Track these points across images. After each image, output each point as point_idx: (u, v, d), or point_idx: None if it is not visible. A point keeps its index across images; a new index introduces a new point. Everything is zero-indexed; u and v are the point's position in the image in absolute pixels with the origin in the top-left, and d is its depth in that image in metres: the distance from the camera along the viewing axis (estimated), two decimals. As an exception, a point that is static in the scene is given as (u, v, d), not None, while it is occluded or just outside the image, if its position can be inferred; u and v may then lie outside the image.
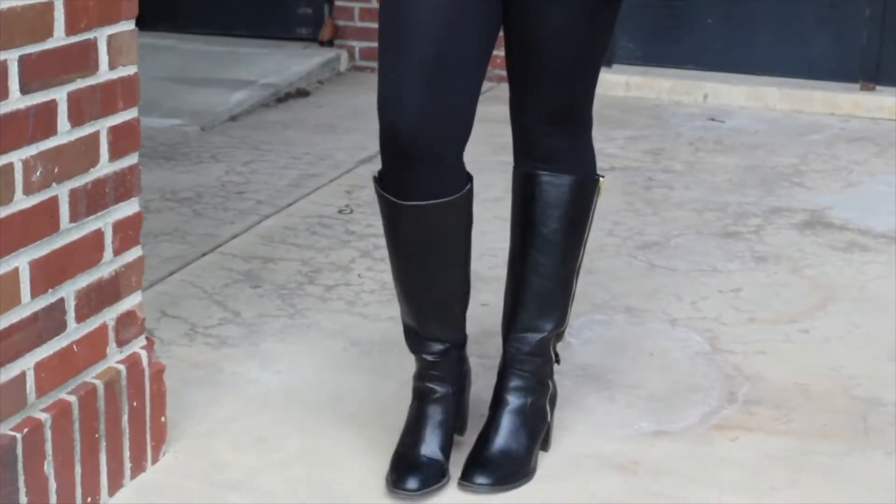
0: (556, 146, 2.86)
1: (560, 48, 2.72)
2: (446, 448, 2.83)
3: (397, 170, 2.65)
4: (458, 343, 2.89)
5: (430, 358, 2.84)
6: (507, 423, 2.88)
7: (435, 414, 2.84)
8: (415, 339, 2.86)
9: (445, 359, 2.85)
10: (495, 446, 2.86)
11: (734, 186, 4.89)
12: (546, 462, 2.94)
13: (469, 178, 2.75)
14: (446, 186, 2.68)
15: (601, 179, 2.93)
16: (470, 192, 2.74)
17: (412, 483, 2.74)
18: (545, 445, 2.95)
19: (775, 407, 3.22)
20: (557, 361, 3.01)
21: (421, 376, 2.87)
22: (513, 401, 2.90)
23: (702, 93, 6.18)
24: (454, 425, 2.89)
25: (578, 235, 2.91)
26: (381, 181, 2.69)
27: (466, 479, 2.80)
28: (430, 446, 2.80)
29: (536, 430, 2.90)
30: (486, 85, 5.82)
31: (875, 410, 3.20)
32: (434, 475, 2.77)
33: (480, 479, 2.80)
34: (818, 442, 3.06)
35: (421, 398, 2.86)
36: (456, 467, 2.81)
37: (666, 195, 4.78)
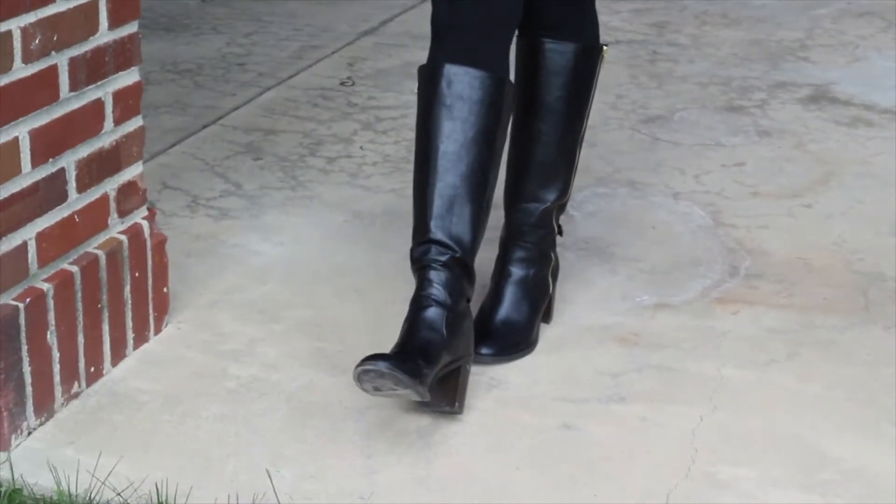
0: (561, 12, 2.83)
1: None
2: (420, 368, 2.50)
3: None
4: (465, 260, 2.66)
5: (431, 265, 2.64)
6: (509, 294, 2.88)
7: (420, 326, 2.60)
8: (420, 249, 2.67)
9: (445, 269, 2.63)
10: (498, 317, 2.86)
11: (739, 60, 4.85)
12: (547, 333, 2.95)
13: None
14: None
15: (605, 48, 2.91)
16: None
17: (381, 364, 2.44)
18: (547, 317, 2.96)
19: (777, 281, 3.22)
20: (560, 233, 3.01)
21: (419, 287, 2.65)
22: (515, 272, 2.90)
23: (708, -34, 6.09)
24: (450, 351, 2.60)
25: (582, 105, 2.90)
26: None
27: None
28: (418, 349, 2.55)
29: (538, 302, 2.91)
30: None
31: (876, 285, 3.21)
32: (408, 371, 2.45)
33: (483, 350, 2.81)
34: (819, 316, 3.07)
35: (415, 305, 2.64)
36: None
37: (670, 69, 4.74)
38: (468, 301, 2.69)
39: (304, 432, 2.56)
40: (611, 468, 2.52)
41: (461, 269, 2.64)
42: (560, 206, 2.97)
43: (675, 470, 2.51)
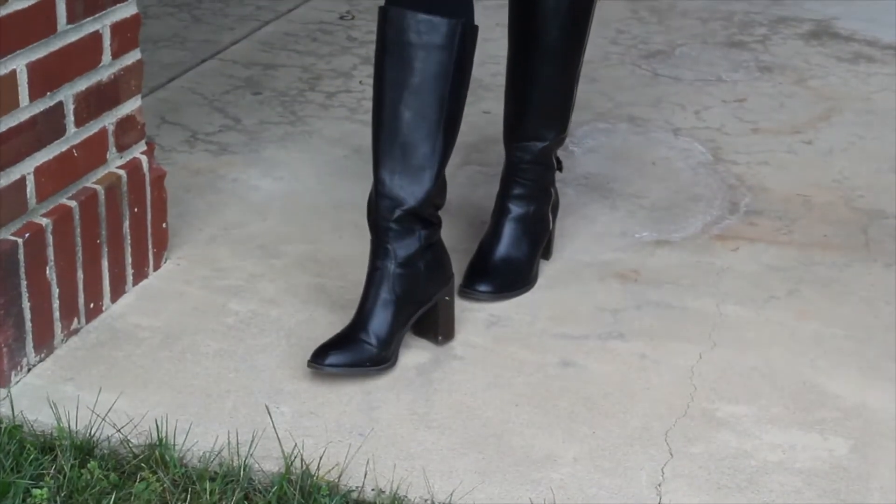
0: None
1: None
2: (388, 333, 2.57)
3: None
4: (419, 211, 2.61)
5: (380, 222, 2.61)
6: (509, 230, 2.87)
7: (377, 292, 2.59)
8: (372, 196, 2.64)
9: (399, 228, 2.60)
10: (497, 254, 2.86)
11: (741, -5, 4.82)
12: (547, 269, 2.94)
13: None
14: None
15: None
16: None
17: (330, 359, 2.52)
18: (547, 253, 2.96)
19: (777, 218, 3.22)
20: (559, 169, 2.99)
21: (371, 250, 2.64)
22: (515, 209, 2.88)
23: None
24: (406, 311, 2.60)
25: (578, 42, 2.86)
26: None
27: (468, 286, 2.81)
28: (367, 328, 2.56)
29: (538, 238, 2.90)
30: None
31: (876, 222, 3.20)
32: (364, 358, 2.54)
33: (482, 287, 2.81)
34: (818, 253, 3.07)
35: (367, 274, 2.63)
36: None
37: (671, 3, 4.71)
38: (428, 242, 2.63)
39: (304, 368, 2.56)
40: (609, 405, 2.52)
41: (412, 218, 2.60)
42: (559, 141, 2.94)
43: (673, 407, 2.52)
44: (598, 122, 3.71)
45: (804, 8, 4.69)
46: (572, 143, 3.54)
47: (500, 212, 2.90)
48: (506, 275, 2.84)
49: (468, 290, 2.81)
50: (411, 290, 2.60)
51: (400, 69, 2.55)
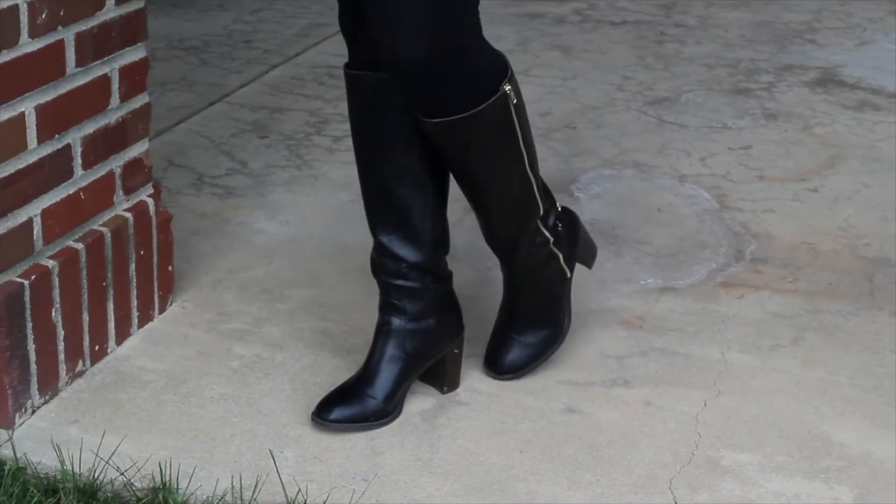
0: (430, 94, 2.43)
1: None
2: (394, 389, 2.56)
3: None
4: (424, 265, 2.58)
5: (386, 278, 2.59)
6: (517, 316, 2.72)
7: (384, 347, 2.57)
8: (374, 256, 2.62)
9: (406, 283, 2.57)
10: (510, 347, 2.72)
11: (746, 42, 4.84)
12: (552, 316, 2.95)
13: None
14: None
15: (506, 89, 2.42)
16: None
17: (335, 413, 2.52)
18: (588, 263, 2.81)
19: (782, 265, 3.22)
20: (556, 233, 2.69)
21: (379, 305, 2.62)
22: (513, 294, 2.71)
23: (716, -54, 6.07)
24: (414, 367, 2.59)
25: (507, 158, 2.51)
26: None
27: (496, 371, 2.72)
28: (373, 383, 2.55)
29: (554, 298, 2.73)
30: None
31: (881, 270, 3.20)
32: (368, 413, 2.53)
33: (505, 374, 2.72)
34: (824, 301, 3.07)
35: (376, 329, 2.61)
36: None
37: (677, 50, 4.73)
38: (438, 295, 2.60)
39: (308, 413, 2.55)
40: (614, 452, 2.52)
41: (418, 273, 2.57)
42: (543, 216, 2.65)
43: (678, 455, 2.51)
44: (604, 169, 3.71)
45: (810, 56, 4.71)
46: (578, 189, 3.55)
47: (505, 299, 2.73)
48: (532, 349, 2.73)
49: (496, 376, 2.71)
50: (421, 345, 2.58)
51: (370, 132, 2.52)
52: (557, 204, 2.71)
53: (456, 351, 2.65)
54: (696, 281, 3.13)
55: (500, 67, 2.44)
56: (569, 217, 2.74)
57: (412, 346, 2.57)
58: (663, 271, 3.17)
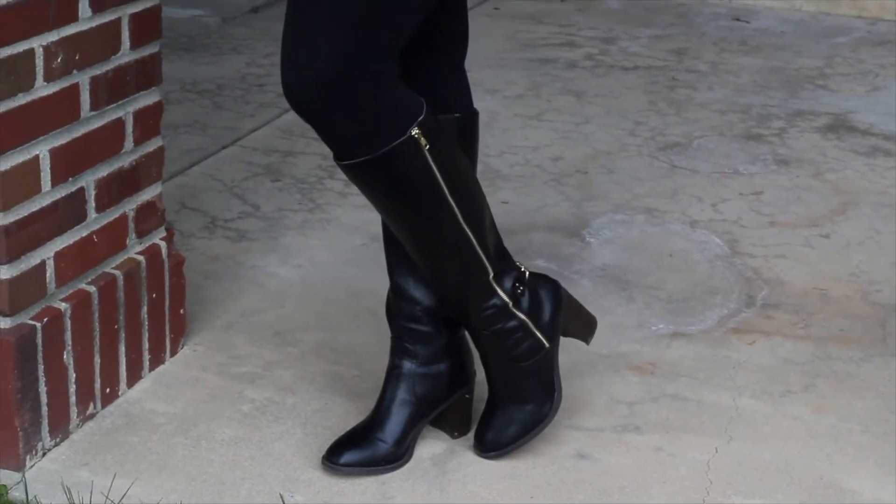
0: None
1: None
2: (404, 433, 2.55)
3: None
4: (437, 310, 2.56)
5: (400, 321, 2.57)
6: (498, 385, 2.62)
7: (395, 391, 2.56)
8: (391, 298, 2.61)
9: (419, 328, 2.56)
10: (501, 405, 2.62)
11: (758, 88, 4.85)
12: (563, 361, 2.93)
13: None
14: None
15: (413, 133, 2.32)
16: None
17: (346, 457, 2.51)
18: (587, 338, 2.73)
19: (793, 311, 3.22)
20: (515, 296, 2.55)
21: (391, 348, 2.60)
22: (489, 362, 2.60)
23: (728, -8, 6.10)
24: (425, 411, 2.58)
25: (431, 210, 2.41)
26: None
27: (483, 449, 2.62)
28: (383, 427, 2.55)
29: (529, 379, 2.61)
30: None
31: (894, 316, 3.20)
32: (378, 457, 2.53)
33: (490, 452, 2.63)
34: (835, 347, 3.06)
35: (387, 372, 2.60)
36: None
37: (689, 95, 4.74)
38: (450, 340, 2.57)
39: (319, 457, 2.55)
40: (625, 498, 2.51)
41: (432, 318, 2.56)
42: (497, 276, 2.52)
43: (689, 501, 2.50)
44: (616, 214, 3.72)
45: (821, 102, 4.71)
46: (589, 235, 3.56)
47: (483, 366, 2.63)
48: (515, 423, 2.61)
49: (480, 454, 2.62)
50: (432, 390, 2.58)
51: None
52: (524, 268, 2.58)
53: (467, 396, 2.65)
54: (707, 327, 3.13)
55: (410, 110, 2.33)
56: (546, 285, 2.61)
57: (423, 391, 2.57)
58: (675, 317, 3.17)
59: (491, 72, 4.80)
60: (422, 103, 2.35)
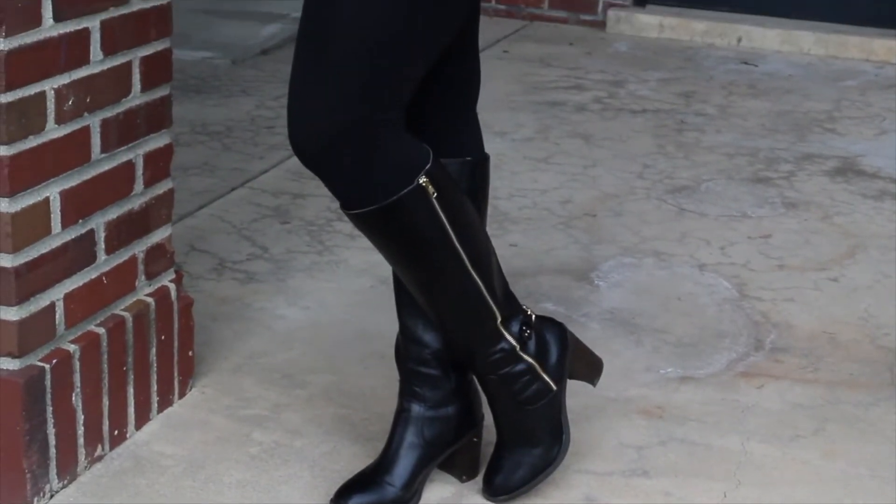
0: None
1: None
2: (412, 476, 2.53)
3: None
4: (444, 356, 2.56)
5: (409, 364, 2.57)
6: (504, 429, 2.61)
7: (403, 434, 2.55)
8: (400, 341, 2.60)
9: (427, 371, 2.56)
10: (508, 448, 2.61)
11: (766, 131, 4.86)
12: (571, 405, 2.92)
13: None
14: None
15: (421, 181, 2.32)
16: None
17: (353, 500, 2.49)
18: (594, 380, 2.73)
19: (802, 355, 3.21)
20: (523, 340, 2.55)
21: (399, 391, 2.60)
22: (497, 404, 2.59)
23: (736, 35, 6.12)
24: (433, 455, 2.57)
25: (440, 257, 2.41)
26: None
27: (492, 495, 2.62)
28: (391, 471, 2.53)
29: (537, 424, 2.60)
30: (517, 23, 5.80)
31: (903, 361, 3.20)
32: (386, 500, 2.50)
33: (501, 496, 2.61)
34: (844, 391, 3.06)
35: (395, 415, 2.59)
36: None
37: (697, 138, 4.75)
38: (458, 384, 2.57)
39: (327, 500, 2.55)
40: (634, 542, 2.50)
41: (440, 361, 2.56)
42: (504, 320, 2.52)
43: (698, 546, 2.50)
44: (624, 257, 3.72)
45: (829, 145, 4.72)
46: (598, 278, 3.56)
47: (491, 410, 2.63)
48: (523, 466, 2.60)
49: (489, 497, 2.61)
50: (440, 433, 2.57)
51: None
52: (530, 311, 2.58)
53: (475, 439, 2.65)
54: (716, 370, 3.13)
55: (417, 159, 2.32)
56: (552, 328, 2.60)
57: (431, 434, 2.57)
58: (683, 360, 3.17)
59: (500, 114, 4.81)
60: (429, 152, 2.35)
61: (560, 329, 2.62)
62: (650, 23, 6.24)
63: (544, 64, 5.66)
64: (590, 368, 2.70)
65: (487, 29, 5.78)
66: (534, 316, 2.58)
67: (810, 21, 6.15)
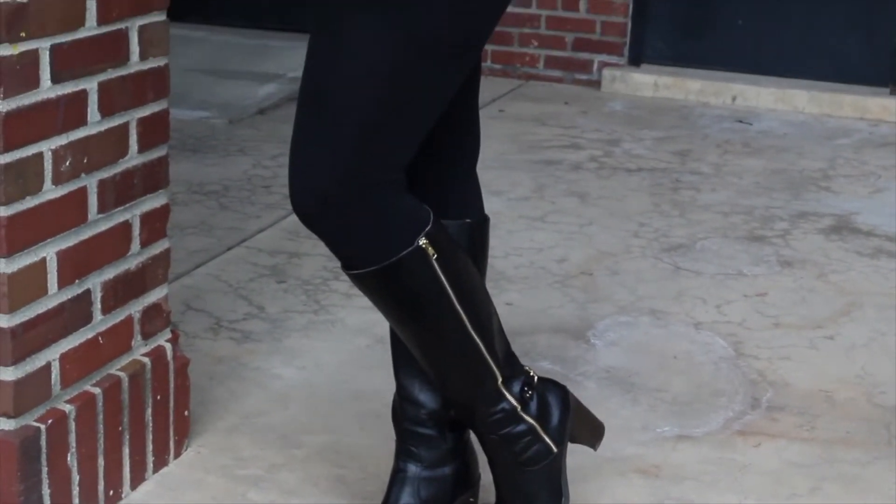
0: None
1: None
2: None
3: None
4: (442, 414, 2.55)
5: (405, 424, 2.56)
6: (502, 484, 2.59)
7: (399, 495, 2.54)
8: (396, 401, 2.59)
9: (424, 431, 2.55)
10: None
11: (761, 190, 4.87)
12: (568, 464, 2.92)
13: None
14: None
15: (421, 243, 2.31)
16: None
17: None
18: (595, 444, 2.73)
19: (799, 413, 3.21)
20: (524, 400, 2.53)
21: (396, 451, 2.59)
22: (497, 459, 2.56)
23: (730, 94, 6.16)
24: None
25: (440, 318, 2.39)
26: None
27: None
28: None
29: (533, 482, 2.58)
30: (513, 83, 5.82)
31: (899, 419, 3.20)
32: None
33: None
34: (841, 450, 3.05)
35: (391, 475, 2.58)
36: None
37: (693, 197, 4.77)
38: (455, 444, 2.56)
39: (323, 560, 2.55)
40: None
41: (437, 421, 2.55)
42: (505, 381, 2.50)
43: None
44: (620, 316, 3.73)
45: (824, 203, 4.74)
46: (594, 336, 3.56)
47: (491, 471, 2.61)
48: None
49: None
50: (436, 494, 2.55)
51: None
52: (533, 372, 2.57)
53: (471, 500, 2.64)
54: (712, 429, 3.13)
55: (418, 220, 2.32)
56: (554, 389, 2.59)
57: (427, 494, 2.56)
58: (679, 419, 3.16)
59: (496, 173, 4.83)
60: (429, 213, 2.35)
61: (562, 391, 2.61)
62: (645, 82, 6.27)
63: (540, 123, 5.68)
64: (591, 432, 2.69)
65: (483, 88, 5.80)
66: (536, 377, 2.57)
67: (804, 80, 6.19)
